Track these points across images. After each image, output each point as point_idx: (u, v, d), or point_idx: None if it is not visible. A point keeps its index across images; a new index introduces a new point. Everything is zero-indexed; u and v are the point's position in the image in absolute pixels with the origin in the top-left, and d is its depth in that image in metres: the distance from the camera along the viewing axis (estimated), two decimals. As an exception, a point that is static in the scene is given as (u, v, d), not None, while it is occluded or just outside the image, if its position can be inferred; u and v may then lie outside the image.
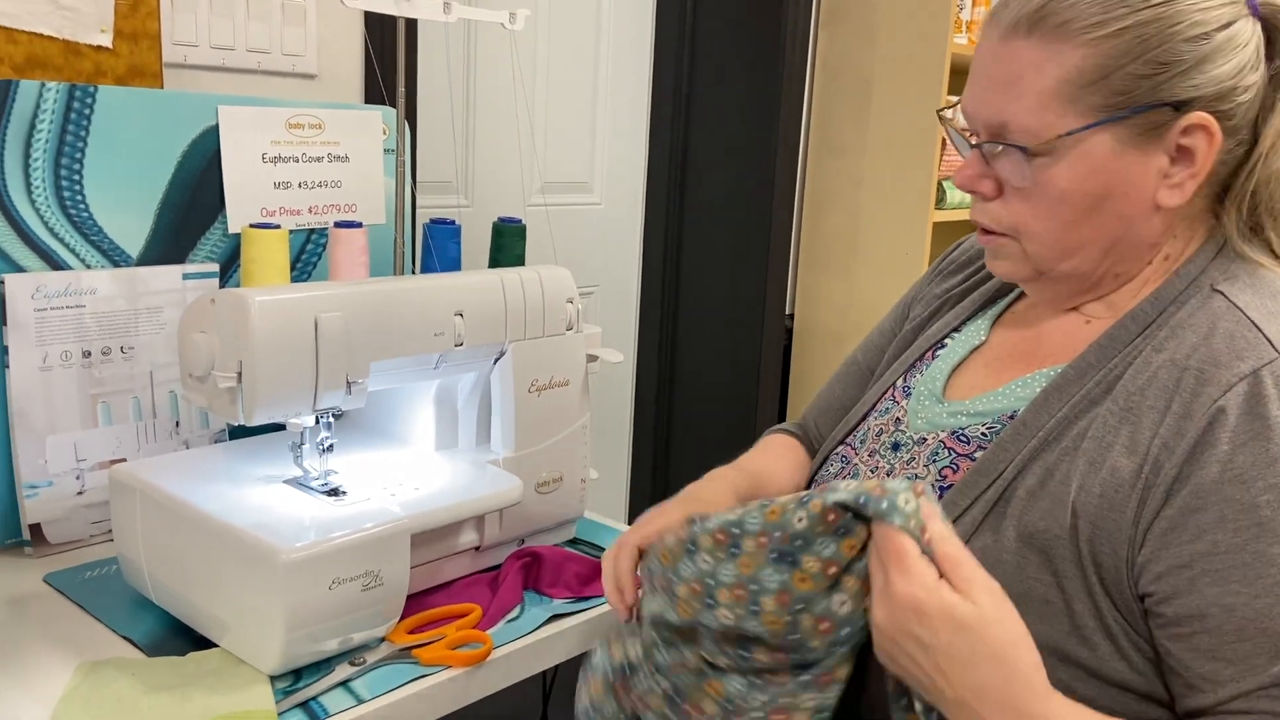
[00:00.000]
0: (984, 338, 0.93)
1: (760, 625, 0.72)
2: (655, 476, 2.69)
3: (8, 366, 1.04)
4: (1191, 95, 0.75)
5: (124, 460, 1.09)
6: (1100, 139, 0.76)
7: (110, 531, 1.06)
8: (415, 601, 0.98)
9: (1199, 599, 0.69)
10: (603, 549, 1.16)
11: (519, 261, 1.28)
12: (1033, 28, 0.76)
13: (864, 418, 0.97)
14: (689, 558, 0.75)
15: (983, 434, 0.84)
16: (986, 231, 0.85)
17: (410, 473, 1.04)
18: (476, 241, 1.34)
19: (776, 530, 0.71)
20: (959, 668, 0.65)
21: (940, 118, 0.89)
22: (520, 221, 1.28)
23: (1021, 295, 0.95)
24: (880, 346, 1.07)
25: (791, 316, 2.55)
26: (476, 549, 1.05)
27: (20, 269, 1.07)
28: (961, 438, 0.85)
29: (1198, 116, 0.75)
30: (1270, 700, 0.68)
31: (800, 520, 0.70)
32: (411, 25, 1.54)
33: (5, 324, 1.04)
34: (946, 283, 1.03)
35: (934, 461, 0.86)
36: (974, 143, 0.82)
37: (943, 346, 0.96)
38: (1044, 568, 0.74)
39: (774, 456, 1.05)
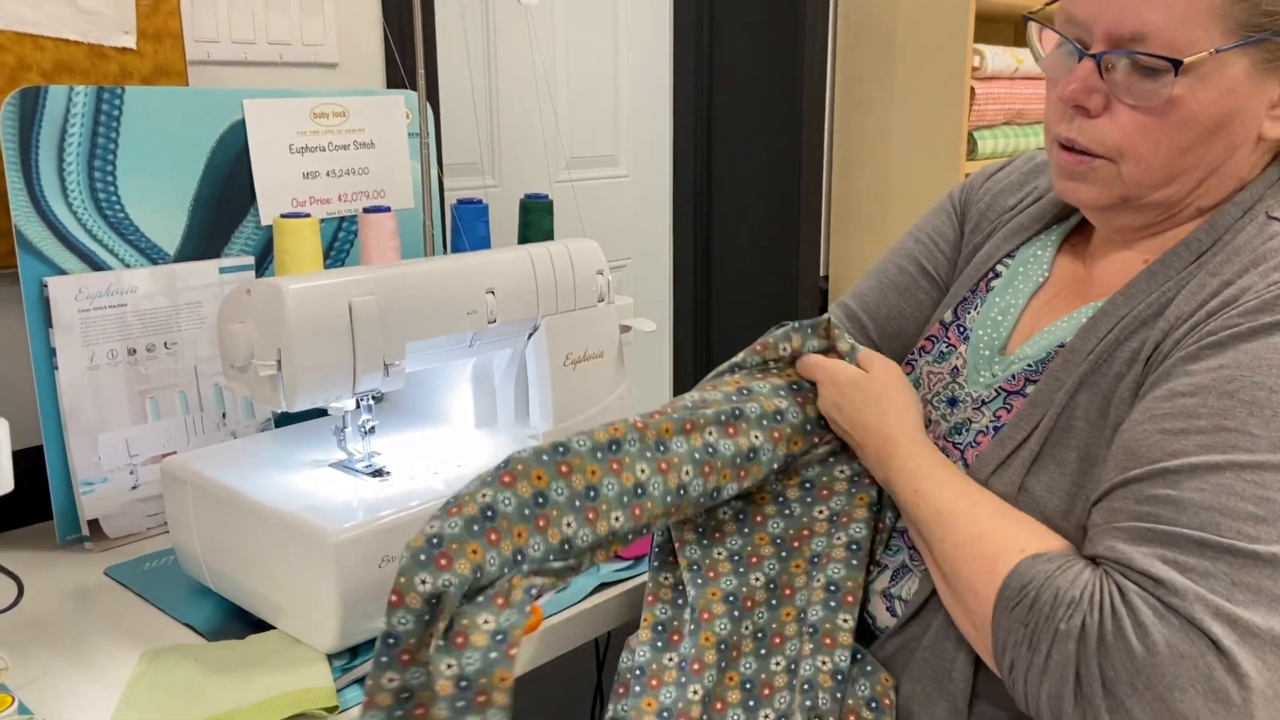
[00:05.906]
0: (1046, 274, 0.89)
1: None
2: (698, 445, 2.69)
3: (57, 368, 1.07)
4: None
5: (174, 453, 1.11)
6: (1237, 61, 0.72)
7: (165, 523, 1.09)
8: (464, 576, 0.99)
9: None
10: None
11: (548, 237, 1.29)
12: None
13: (917, 352, 0.95)
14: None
15: (1029, 367, 0.83)
16: (1075, 151, 0.78)
17: (452, 451, 1.05)
18: (509, 222, 1.35)
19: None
20: (856, 413, 0.87)
21: (1030, 19, 0.81)
22: (546, 197, 1.28)
23: (1079, 226, 0.91)
24: (940, 251, 1.01)
25: (826, 277, 2.54)
26: (522, 522, 1.06)
27: (62, 271, 1.09)
28: (1011, 379, 0.84)
29: None
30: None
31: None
32: (428, 7, 1.54)
33: (51, 326, 1.07)
34: (1006, 201, 0.97)
35: (986, 406, 0.85)
36: (1091, 51, 0.75)
37: (996, 276, 0.93)
38: None
39: None
